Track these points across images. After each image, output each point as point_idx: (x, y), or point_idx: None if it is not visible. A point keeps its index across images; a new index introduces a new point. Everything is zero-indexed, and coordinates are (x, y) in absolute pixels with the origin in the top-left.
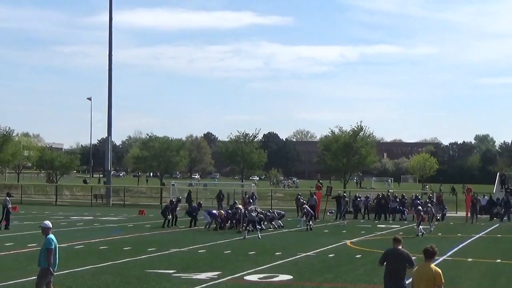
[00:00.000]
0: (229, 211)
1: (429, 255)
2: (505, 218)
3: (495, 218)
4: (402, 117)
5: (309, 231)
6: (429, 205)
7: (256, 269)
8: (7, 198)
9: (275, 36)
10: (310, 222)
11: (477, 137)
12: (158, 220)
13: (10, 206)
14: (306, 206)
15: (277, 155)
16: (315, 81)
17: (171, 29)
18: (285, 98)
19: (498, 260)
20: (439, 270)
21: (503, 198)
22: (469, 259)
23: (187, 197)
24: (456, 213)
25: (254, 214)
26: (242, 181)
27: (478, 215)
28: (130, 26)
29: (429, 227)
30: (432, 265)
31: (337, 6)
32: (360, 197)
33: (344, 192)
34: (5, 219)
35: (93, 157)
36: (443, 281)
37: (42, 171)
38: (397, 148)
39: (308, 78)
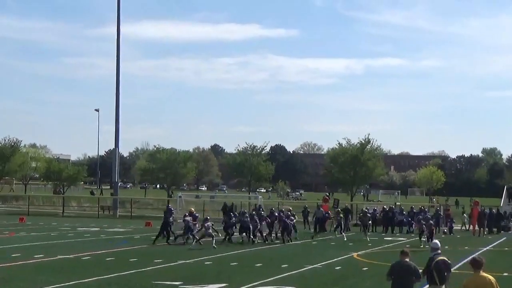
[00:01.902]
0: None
1: (478, 265)
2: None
3: (502, 231)
4: (409, 130)
5: (315, 244)
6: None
7: (263, 281)
8: None
9: (281, 48)
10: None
11: (484, 150)
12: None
13: None
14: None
15: (284, 167)
16: (321, 93)
17: (178, 41)
18: (292, 110)
19: (505, 274)
20: (492, 277)
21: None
22: None
23: (230, 208)
24: (463, 226)
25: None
26: (249, 193)
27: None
28: (137, 38)
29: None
30: (485, 274)
31: (343, 19)
32: (368, 209)
33: (341, 208)
34: None
35: (101, 168)
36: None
37: (49, 182)
38: (404, 161)
39: (314, 90)
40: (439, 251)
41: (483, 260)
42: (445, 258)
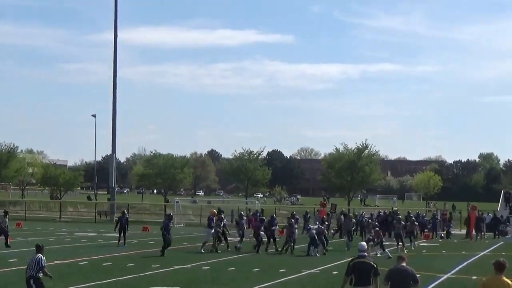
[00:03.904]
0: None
1: (500, 267)
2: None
3: (499, 236)
4: (406, 135)
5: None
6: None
7: (260, 286)
8: (3, 217)
9: (276, 54)
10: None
11: (481, 155)
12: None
13: (7, 224)
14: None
15: (281, 172)
16: (318, 98)
17: (174, 47)
18: (288, 116)
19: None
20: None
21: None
22: (473, 277)
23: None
24: (460, 230)
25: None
26: (246, 198)
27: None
28: (134, 43)
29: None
30: (504, 278)
31: (340, 25)
32: (363, 215)
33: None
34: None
35: (98, 174)
36: None
37: (46, 188)
38: (402, 166)
39: (311, 95)
40: (365, 253)
41: (506, 264)
42: (369, 261)
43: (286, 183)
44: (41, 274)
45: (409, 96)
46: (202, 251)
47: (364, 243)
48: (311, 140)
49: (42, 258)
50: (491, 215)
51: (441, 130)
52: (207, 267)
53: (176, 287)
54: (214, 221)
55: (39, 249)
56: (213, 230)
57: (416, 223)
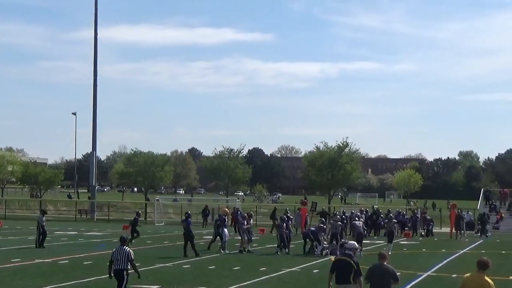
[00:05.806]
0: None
1: (482, 266)
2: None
3: (481, 235)
4: (386, 133)
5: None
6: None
7: (241, 284)
8: (42, 216)
9: (255, 52)
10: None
11: (461, 154)
12: (143, 235)
13: (43, 224)
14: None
15: (261, 170)
16: (297, 97)
17: (153, 45)
18: (268, 114)
19: None
20: (492, 282)
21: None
22: (454, 275)
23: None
24: (441, 229)
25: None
26: (227, 197)
27: (462, 231)
28: (113, 41)
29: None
30: (486, 277)
31: (319, 23)
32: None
33: (318, 211)
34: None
35: (78, 172)
36: None
37: (26, 186)
38: (382, 164)
39: (290, 94)
40: (350, 252)
41: (489, 264)
42: (349, 260)
43: (267, 181)
44: (129, 266)
45: (389, 94)
46: (227, 251)
47: (354, 242)
48: (291, 138)
49: (130, 251)
50: (471, 213)
51: (421, 128)
52: (188, 265)
53: (156, 285)
54: (226, 220)
55: (123, 241)
56: (227, 229)
57: (395, 220)
